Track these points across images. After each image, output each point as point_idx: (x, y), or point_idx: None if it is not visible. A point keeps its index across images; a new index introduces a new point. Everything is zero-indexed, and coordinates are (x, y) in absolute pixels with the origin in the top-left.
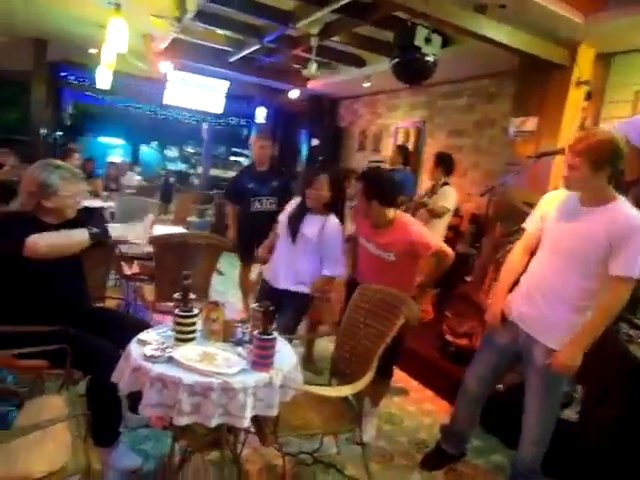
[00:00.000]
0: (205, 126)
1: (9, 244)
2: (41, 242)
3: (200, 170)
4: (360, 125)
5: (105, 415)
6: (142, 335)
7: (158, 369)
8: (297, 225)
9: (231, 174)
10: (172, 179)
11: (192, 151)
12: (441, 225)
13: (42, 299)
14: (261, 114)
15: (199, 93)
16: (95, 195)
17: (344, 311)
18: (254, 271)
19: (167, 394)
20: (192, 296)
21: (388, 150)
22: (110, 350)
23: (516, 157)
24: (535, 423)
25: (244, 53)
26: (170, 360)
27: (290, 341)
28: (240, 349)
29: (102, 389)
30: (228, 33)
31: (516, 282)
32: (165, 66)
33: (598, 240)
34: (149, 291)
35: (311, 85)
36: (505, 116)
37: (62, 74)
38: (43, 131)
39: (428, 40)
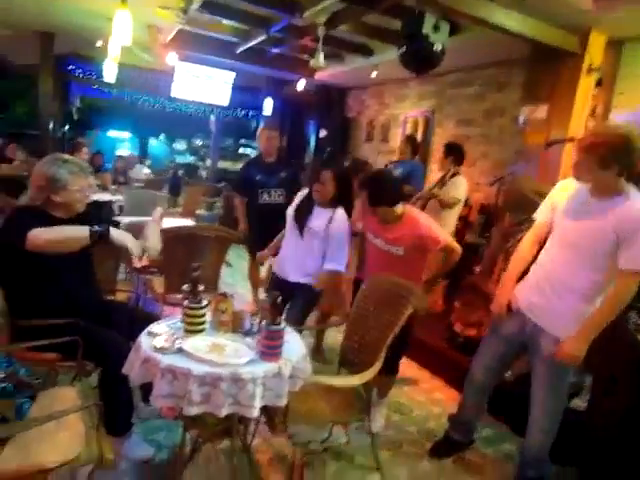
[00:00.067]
0: (213, 118)
1: (14, 237)
2: (43, 236)
3: (208, 163)
4: (368, 115)
5: (117, 406)
6: (152, 327)
7: (168, 360)
8: (304, 219)
9: (239, 166)
10: (180, 172)
11: (200, 144)
12: (452, 216)
13: (53, 293)
14: (268, 105)
15: (206, 85)
16: (104, 189)
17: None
18: (263, 264)
19: (177, 385)
20: (201, 288)
21: (396, 140)
22: (120, 342)
23: (526, 146)
24: (542, 412)
25: (251, 44)
26: (180, 351)
27: (299, 332)
28: (249, 340)
29: (113, 381)
30: (234, 24)
31: (524, 272)
32: (171, 58)
33: (606, 234)
34: (159, 283)
35: (318, 75)
36: (515, 105)
37: (69, 67)
38: (51, 125)
39: (436, 28)
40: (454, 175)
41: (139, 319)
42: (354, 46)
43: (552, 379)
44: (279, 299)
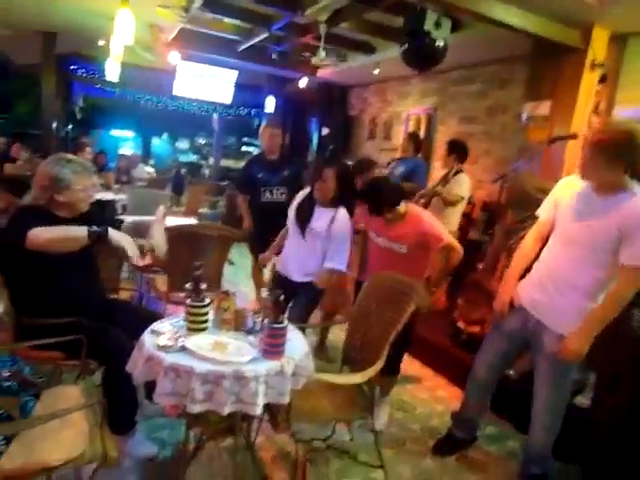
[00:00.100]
0: (215, 117)
1: (15, 236)
2: (43, 235)
3: (211, 161)
4: (370, 113)
5: (121, 404)
6: (155, 325)
7: (171, 359)
8: (306, 219)
9: (242, 164)
10: (183, 171)
11: (203, 142)
12: (455, 213)
13: (57, 291)
14: (271, 103)
15: (208, 83)
16: (107, 188)
17: None
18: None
19: (180, 383)
20: (203, 286)
21: (399, 138)
22: (124, 341)
23: (529, 143)
24: (545, 409)
25: (252, 42)
26: (183, 349)
27: (302, 330)
28: (252, 338)
29: (117, 379)
30: (236, 22)
31: (527, 269)
32: (173, 57)
33: (609, 230)
34: (162, 282)
35: (320, 73)
36: (517, 102)
37: (71, 67)
38: (54, 125)
39: (438, 25)
40: (457, 173)
41: (142, 317)
42: (356, 44)
43: (554, 376)
44: (282, 297)
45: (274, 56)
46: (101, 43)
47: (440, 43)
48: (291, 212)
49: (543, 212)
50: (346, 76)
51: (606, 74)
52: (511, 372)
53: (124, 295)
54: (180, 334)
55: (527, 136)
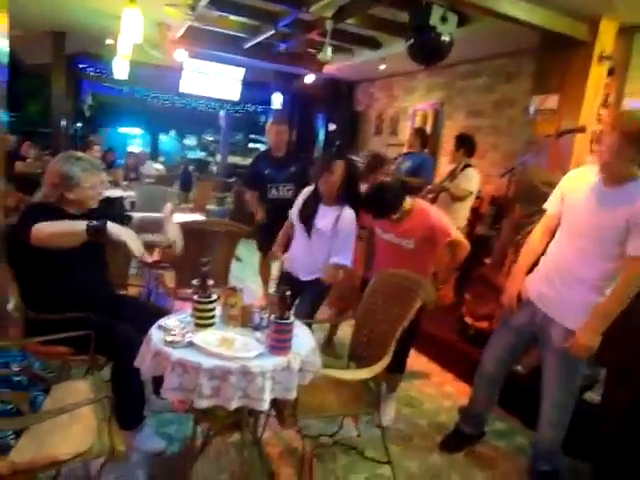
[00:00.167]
0: (222, 114)
1: (21, 232)
2: (45, 230)
3: (218, 158)
4: (377, 108)
5: (129, 399)
6: (163, 321)
7: (178, 354)
8: (311, 219)
9: (249, 161)
10: (191, 167)
11: (210, 139)
12: (464, 208)
13: (66, 287)
14: (277, 100)
15: (215, 80)
16: (115, 185)
17: None
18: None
19: (187, 378)
20: (210, 282)
21: (405, 133)
22: (132, 336)
23: (536, 136)
24: (553, 405)
25: (259, 39)
26: (190, 345)
27: (309, 326)
28: (258, 334)
29: (125, 374)
30: (242, 19)
31: (535, 263)
32: (181, 54)
33: (617, 221)
34: (170, 278)
35: (327, 69)
36: (524, 95)
37: (80, 66)
38: (64, 123)
39: (444, 19)
40: (465, 167)
41: (150, 313)
42: (362, 39)
43: (563, 371)
44: (288, 293)
45: (283, 50)
46: (109, 42)
47: (446, 38)
48: (295, 208)
49: (550, 205)
50: (352, 72)
51: (614, 67)
52: (519, 367)
53: (132, 291)
54: (187, 330)
55: (535, 130)
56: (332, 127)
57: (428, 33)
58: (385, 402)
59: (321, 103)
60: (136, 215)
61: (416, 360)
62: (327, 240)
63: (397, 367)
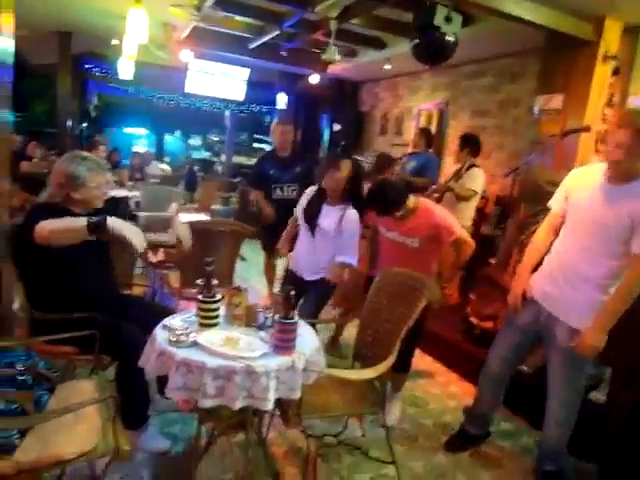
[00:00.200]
0: (227, 114)
1: (26, 231)
2: (47, 227)
3: (223, 158)
4: (382, 109)
5: (134, 399)
6: (167, 320)
7: (183, 353)
8: (314, 218)
9: (254, 161)
10: (196, 167)
11: (215, 139)
12: (469, 208)
13: (71, 286)
14: (282, 100)
15: (220, 81)
16: (121, 185)
17: None
18: (280, 260)
19: (192, 378)
20: (215, 282)
21: (410, 133)
22: (137, 336)
23: (541, 136)
24: (559, 404)
25: (264, 39)
26: (195, 345)
27: (313, 326)
28: (263, 333)
29: (130, 374)
30: (247, 20)
31: (541, 262)
32: (186, 54)
33: (622, 219)
34: (174, 278)
35: (331, 69)
36: (529, 95)
37: (86, 66)
38: (69, 123)
39: (448, 19)
40: (470, 167)
41: (155, 313)
42: (367, 39)
43: (568, 370)
44: (292, 293)
45: (284, 53)
46: (115, 42)
47: (450, 38)
48: (299, 207)
49: (555, 203)
50: (357, 72)
51: (619, 66)
52: (525, 367)
53: (137, 291)
54: (192, 329)
55: (540, 129)
56: (337, 127)
57: (432, 33)
58: (390, 402)
59: (326, 103)
60: (142, 214)
61: (421, 360)
62: (331, 240)
63: (402, 366)
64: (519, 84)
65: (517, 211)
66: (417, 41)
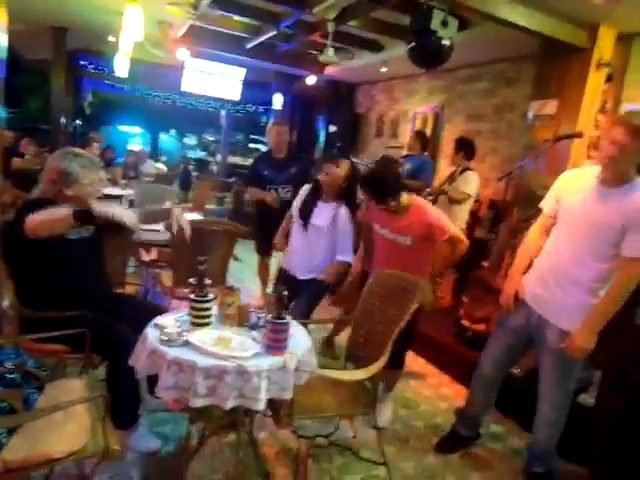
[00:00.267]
0: (223, 113)
1: (17, 225)
2: (36, 219)
3: (219, 158)
4: (378, 111)
5: (124, 398)
6: (159, 319)
7: (174, 353)
8: (308, 214)
9: (250, 161)
10: (191, 167)
11: (211, 139)
12: (463, 211)
13: (63, 284)
14: (278, 101)
15: (216, 80)
16: (114, 183)
17: None
18: (274, 261)
19: (183, 377)
20: (208, 281)
21: (406, 136)
22: (128, 335)
23: (535, 141)
24: (549, 406)
25: (261, 39)
26: (186, 344)
27: (305, 326)
28: (255, 333)
29: (120, 373)
30: (245, 19)
31: (532, 263)
32: (182, 53)
33: (613, 222)
34: (167, 277)
35: (328, 71)
36: (525, 100)
37: (81, 63)
38: (63, 120)
39: (444, 23)
40: (464, 171)
41: (147, 312)
42: (363, 42)
43: (559, 371)
44: (285, 293)
45: (281, 53)
46: (111, 39)
47: (446, 42)
48: (296, 203)
49: (546, 205)
50: (354, 74)
51: (612, 73)
52: (516, 370)
53: (130, 289)
54: (183, 328)
55: (533, 134)
56: (332, 129)
57: (429, 37)
58: (382, 402)
59: (322, 105)
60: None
61: (413, 362)
62: (324, 236)
63: (395, 363)
64: (514, 89)
65: (510, 215)
66: (413, 44)
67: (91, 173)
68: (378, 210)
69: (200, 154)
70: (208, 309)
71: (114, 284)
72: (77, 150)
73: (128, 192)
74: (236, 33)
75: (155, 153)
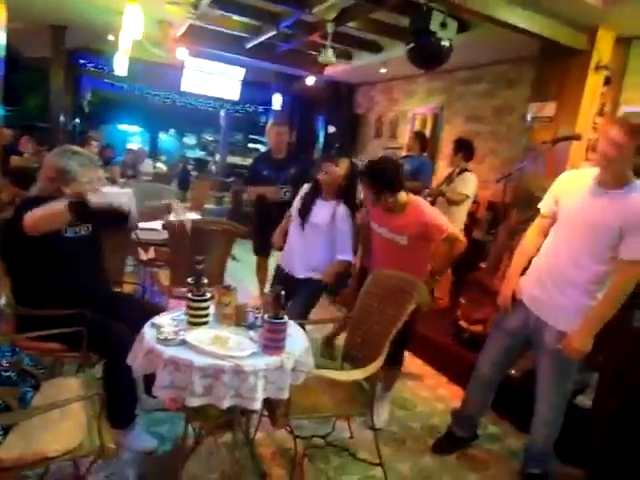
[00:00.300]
0: (223, 113)
1: (16, 223)
2: (35, 214)
3: (218, 157)
4: (377, 112)
5: (120, 397)
6: (156, 319)
7: (171, 352)
8: (307, 212)
9: (249, 161)
10: (190, 166)
11: (210, 138)
12: (461, 212)
13: (61, 282)
14: (278, 101)
15: (216, 80)
16: (112, 182)
17: None
18: (272, 261)
19: (179, 376)
20: (205, 281)
21: (405, 137)
22: (126, 334)
23: (534, 143)
24: (547, 407)
25: (260, 39)
26: (183, 343)
27: (302, 326)
28: (252, 333)
29: (117, 372)
30: (244, 19)
31: (530, 264)
32: (182, 52)
33: (611, 224)
34: (165, 276)
35: (327, 72)
36: (524, 102)
37: (80, 61)
38: (62, 118)
39: (444, 25)
40: (462, 172)
41: (145, 311)
42: (363, 42)
43: (556, 373)
44: (282, 293)
45: (281, 53)
46: (111, 38)
47: (446, 43)
48: (296, 203)
49: (544, 206)
50: (353, 74)
51: (610, 76)
52: (513, 371)
53: (127, 288)
54: (181, 328)
55: (532, 136)
56: (332, 129)
57: (428, 38)
58: (379, 402)
59: (321, 105)
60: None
61: (411, 363)
62: (322, 234)
63: (394, 361)
64: (514, 91)
65: (508, 217)
66: (412, 45)
67: (90, 171)
68: (376, 208)
69: (199, 154)
70: (205, 308)
71: (112, 283)
72: (75, 148)
73: (126, 191)
74: (236, 33)
75: (154, 152)
